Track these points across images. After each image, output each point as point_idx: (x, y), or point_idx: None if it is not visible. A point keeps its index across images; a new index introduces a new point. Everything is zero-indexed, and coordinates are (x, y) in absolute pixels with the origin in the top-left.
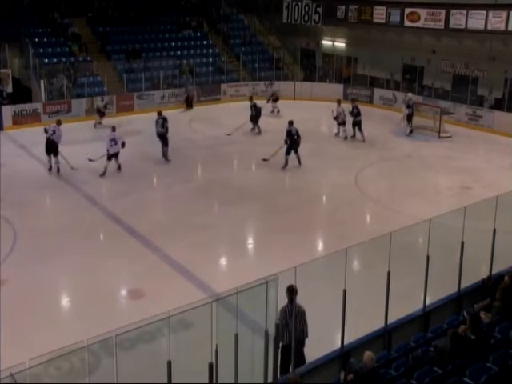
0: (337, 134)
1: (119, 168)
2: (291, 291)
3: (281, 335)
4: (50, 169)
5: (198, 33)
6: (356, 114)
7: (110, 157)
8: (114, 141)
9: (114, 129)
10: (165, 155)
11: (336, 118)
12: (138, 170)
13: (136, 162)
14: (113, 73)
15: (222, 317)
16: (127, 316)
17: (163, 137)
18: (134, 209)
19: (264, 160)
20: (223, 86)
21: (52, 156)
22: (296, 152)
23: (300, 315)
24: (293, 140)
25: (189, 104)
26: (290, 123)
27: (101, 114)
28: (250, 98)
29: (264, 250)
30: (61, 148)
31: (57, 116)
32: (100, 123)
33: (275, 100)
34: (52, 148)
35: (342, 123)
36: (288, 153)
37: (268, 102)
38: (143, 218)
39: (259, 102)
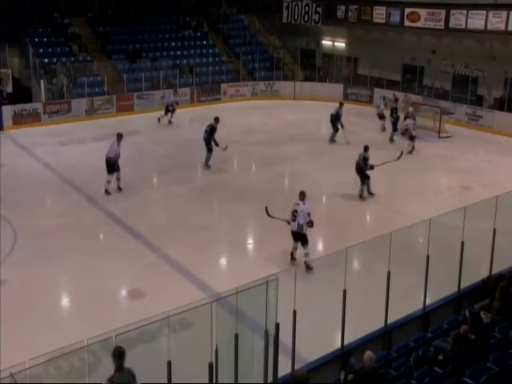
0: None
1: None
2: (118, 356)
3: None
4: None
5: (197, 33)
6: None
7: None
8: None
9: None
10: (205, 162)
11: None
12: (138, 170)
13: (136, 161)
14: (113, 73)
15: (221, 317)
16: (127, 316)
17: (204, 142)
18: (134, 209)
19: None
20: (223, 86)
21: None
22: (361, 183)
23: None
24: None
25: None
26: (365, 148)
27: (170, 110)
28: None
29: (264, 250)
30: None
31: (57, 116)
32: (170, 122)
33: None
34: (108, 165)
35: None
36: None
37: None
38: (143, 218)
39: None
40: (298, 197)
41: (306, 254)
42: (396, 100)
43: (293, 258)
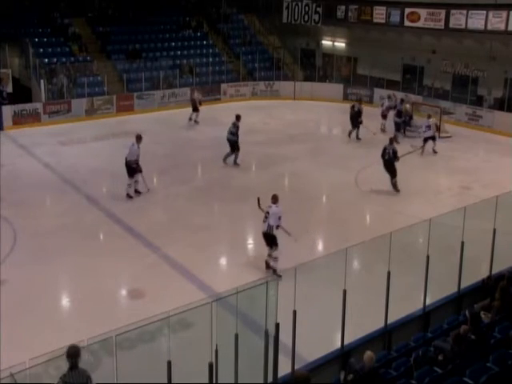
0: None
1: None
2: (72, 354)
3: None
4: (136, 192)
5: (198, 33)
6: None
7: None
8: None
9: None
10: (234, 161)
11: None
12: None
13: None
14: (113, 73)
15: (222, 317)
16: (127, 316)
17: (229, 143)
18: (134, 209)
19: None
20: (223, 86)
21: (136, 177)
22: (391, 176)
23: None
24: (384, 162)
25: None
26: (390, 141)
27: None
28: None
29: (264, 250)
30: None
31: (57, 116)
32: (197, 121)
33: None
34: (129, 168)
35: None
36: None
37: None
38: (143, 217)
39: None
40: (297, 197)
41: (275, 259)
42: (402, 101)
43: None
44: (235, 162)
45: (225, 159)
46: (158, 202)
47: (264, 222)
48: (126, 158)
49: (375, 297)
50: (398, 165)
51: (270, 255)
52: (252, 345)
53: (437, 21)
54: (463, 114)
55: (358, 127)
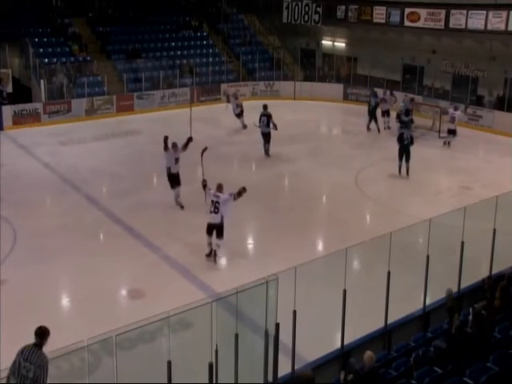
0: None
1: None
2: (39, 334)
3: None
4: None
5: (197, 33)
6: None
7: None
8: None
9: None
10: (267, 152)
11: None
12: (138, 170)
13: (136, 161)
14: (113, 73)
15: (222, 317)
16: (127, 316)
17: (267, 135)
18: (134, 209)
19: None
20: (223, 86)
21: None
22: (406, 160)
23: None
24: (403, 146)
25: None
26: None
27: (237, 114)
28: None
29: (264, 249)
30: None
31: (57, 116)
32: (245, 126)
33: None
34: (173, 178)
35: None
36: (399, 158)
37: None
38: (143, 217)
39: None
40: (297, 196)
41: (218, 245)
42: (412, 100)
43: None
44: (267, 153)
45: (267, 152)
46: (158, 201)
47: (215, 213)
48: (169, 169)
49: (375, 297)
50: (396, 164)
51: (218, 245)
52: (252, 345)
53: (437, 21)
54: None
55: (373, 119)
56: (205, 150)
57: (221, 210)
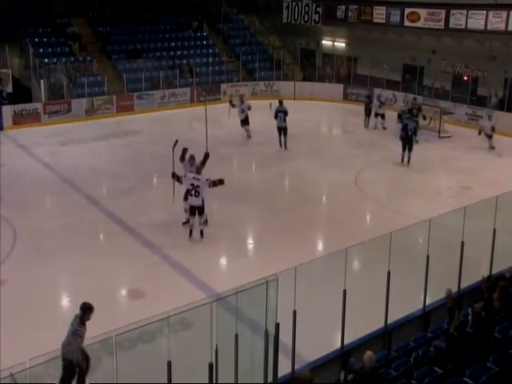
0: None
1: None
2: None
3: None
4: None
5: (198, 33)
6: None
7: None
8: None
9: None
10: (285, 145)
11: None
12: (138, 170)
13: (136, 161)
14: (113, 73)
15: (222, 317)
16: (127, 316)
17: (285, 130)
18: (134, 209)
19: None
20: (223, 86)
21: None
22: (409, 150)
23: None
24: (406, 136)
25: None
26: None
27: (245, 121)
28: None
29: (264, 249)
30: None
31: (57, 116)
32: (249, 136)
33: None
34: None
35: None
36: (403, 149)
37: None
38: (143, 217)
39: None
40: (297, 196)
41: (205, 222)
42: (415, 99)
43: (191, 234)
44: (286, 146)
45: (285, 145)
46: (158, 201)
47: (196, 196)
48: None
49: (375, 297)
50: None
51: (202, 224)
52: (252, 345)
53: (437, 21)
54: (463, 114)
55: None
56: (176, 143)
57: (201, 193)
